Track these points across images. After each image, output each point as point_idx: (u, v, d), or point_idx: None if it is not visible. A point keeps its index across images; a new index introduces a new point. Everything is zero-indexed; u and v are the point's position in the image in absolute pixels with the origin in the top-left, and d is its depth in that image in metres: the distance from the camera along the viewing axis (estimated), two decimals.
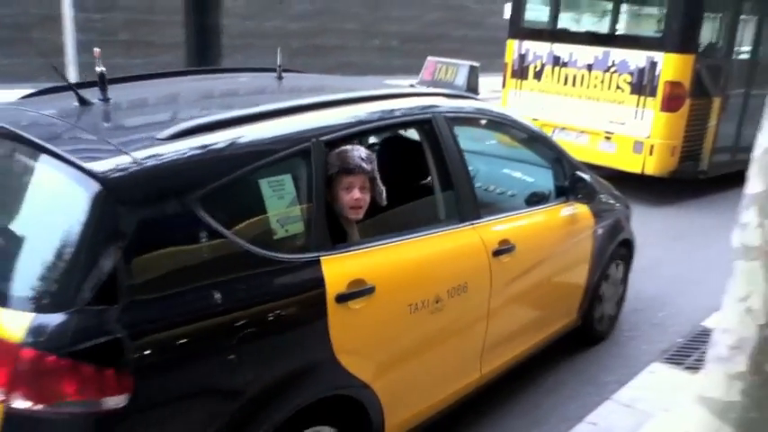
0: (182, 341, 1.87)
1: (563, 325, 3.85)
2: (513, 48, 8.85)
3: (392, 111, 2.82)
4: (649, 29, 8.43)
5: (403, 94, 3.02)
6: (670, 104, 7.31)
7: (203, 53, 11.87)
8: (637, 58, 7.50)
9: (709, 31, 7.93)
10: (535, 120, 7.25)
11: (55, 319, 1.70)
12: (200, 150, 2.06)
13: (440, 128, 2.92)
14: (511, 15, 9.13)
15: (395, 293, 2.50)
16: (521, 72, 8.68)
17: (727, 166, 8.15)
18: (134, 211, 1.84)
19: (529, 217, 3.43)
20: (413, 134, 3.11)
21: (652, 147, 7.39)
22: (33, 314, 1.71)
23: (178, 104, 2.76)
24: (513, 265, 3.11)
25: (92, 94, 2.40)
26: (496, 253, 2.99)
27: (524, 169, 4.08)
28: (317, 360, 2.25)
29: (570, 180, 3.68)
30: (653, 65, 7.34)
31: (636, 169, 7.51)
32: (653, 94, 7.36)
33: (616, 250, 4.10)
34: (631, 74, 7.56)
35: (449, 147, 2.94)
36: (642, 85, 7.42)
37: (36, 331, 1.69)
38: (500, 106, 5.33)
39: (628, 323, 4.72)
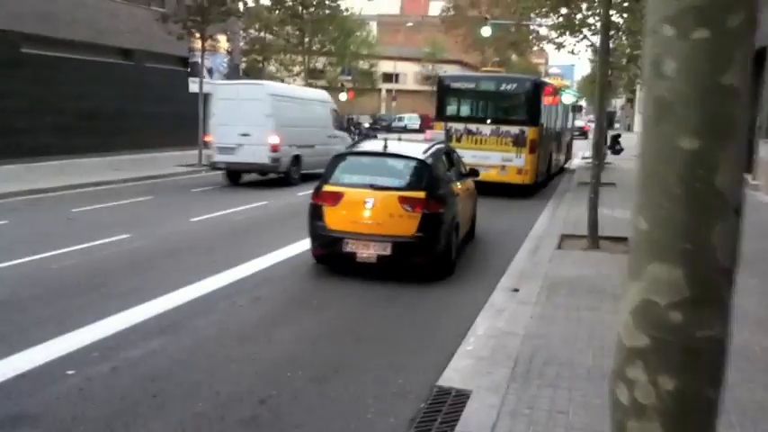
0: (447, 198, 8.40)
1: (469, 227, 10.19)
2: (441, 125, 16.81)
3: (436, 149, 9.23)
4: (520, 116, 16.75)
5: (435, 143, 9.76)
6: (532, 150, 16.24)
7: None
8: (516, 129, 16.25)
9: (540, 118, 17.16)
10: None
11: (425, 192, 7.95)
12: (433, 155, 8.73)
13: (449, 152, 10.05)
14: (437, 108, 17.81)
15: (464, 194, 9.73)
16: (447, 138, 15.53)
17: (542, 176, 18.13)
18: (430, 167, 8.32)
19: (468, 182, 10.27)
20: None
21: (527, 170, 16.20)
22: (423, 192, 7.92)
23: (407, 146, 9.18)
24: (469, 195, 10.13)
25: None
26: (464, 191, 9.77)
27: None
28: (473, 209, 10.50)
29: (470, 171, 10.67)
30: (523, 132, 16.21)
31: (518, 182, 16.25)
32: (525, 145, 16.16)
33: (475, 200, 10.78)
34: (513, 137, 16.20)
35: (455, 159, 10.21)
36: (519, 142, 16.12)
37: (428, 194, 7.94)
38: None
39: (370, 396, 4.78)
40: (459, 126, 16.64)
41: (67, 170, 18.11)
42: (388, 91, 64.54)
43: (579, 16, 19.70)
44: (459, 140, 16.21)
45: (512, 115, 16.80)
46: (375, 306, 7.12)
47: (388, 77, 61.99)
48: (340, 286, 7.79)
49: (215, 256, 9.01)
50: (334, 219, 8.00)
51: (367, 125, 42.64)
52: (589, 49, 26.13)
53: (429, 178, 8.19)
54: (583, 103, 65.28)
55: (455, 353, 5.60)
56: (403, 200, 7.84)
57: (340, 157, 8.80)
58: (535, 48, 69.51)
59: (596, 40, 22.06)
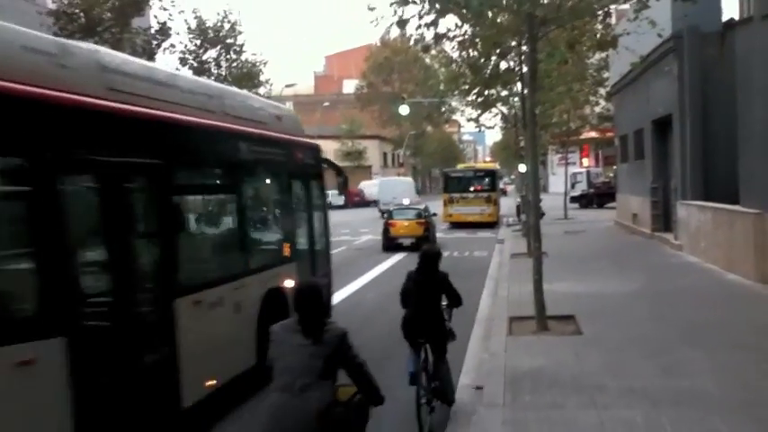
0: (431, 221, 25.16)
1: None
2: (446, 196, 33.35)
3: (425, 205, 28.49)
4: (488, 187, 33.63)
5: (424, 204, 30.20)
6: (495, 204, 33.30)
7: None
8: (486, 194, 33.11)
9: (497, 188, 36.21)
10: (457, 213, 33.03)
11: (425, 219, 24.33)
12: (425, 207, 26.91)
13: (426, 207, 27.15)
14: (444, 186, 35.06)
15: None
16: (449, 202, 32.92)
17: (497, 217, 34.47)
18: (426, 210, 26.05)
19: (432, 217, 26.67)
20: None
21: (493, 214, 32.91)
22: (424, 219, 24.17)
23: (416, 205, 29.82)
24: (433, 223, 26.22)
25: None
26: (432, 221, 26.24)
27: None
28: None
29: (433, 214, 27.22)
30: (490, 195, 33.24)
31: (489, 220, 32.54)
32: (491, 202, 32.99)
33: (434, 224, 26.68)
34: (485, 198, 32.92)
35: (429, 209, 26.90)
36: (489, 200, 32.92)
37: (426, 220, 24.27)
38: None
39: None
40: (456, 194, 32.58)
41: None
42: None
43: (494, 93, 20.52)
44: (457, 202, 32.33)
45: (484, 187, 33.00)
46: None
47: None
48: None
49: None
50: (394, 230, 23.16)
51: None
52: (499, 119, 27.52)
53: (426, 214, 24.17)
54: (497, 166, 67.48)
55: None
56: (418, 222, 23.15)
57: (393, 210, 24.99)
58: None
59: (509, 112, 23.11)
